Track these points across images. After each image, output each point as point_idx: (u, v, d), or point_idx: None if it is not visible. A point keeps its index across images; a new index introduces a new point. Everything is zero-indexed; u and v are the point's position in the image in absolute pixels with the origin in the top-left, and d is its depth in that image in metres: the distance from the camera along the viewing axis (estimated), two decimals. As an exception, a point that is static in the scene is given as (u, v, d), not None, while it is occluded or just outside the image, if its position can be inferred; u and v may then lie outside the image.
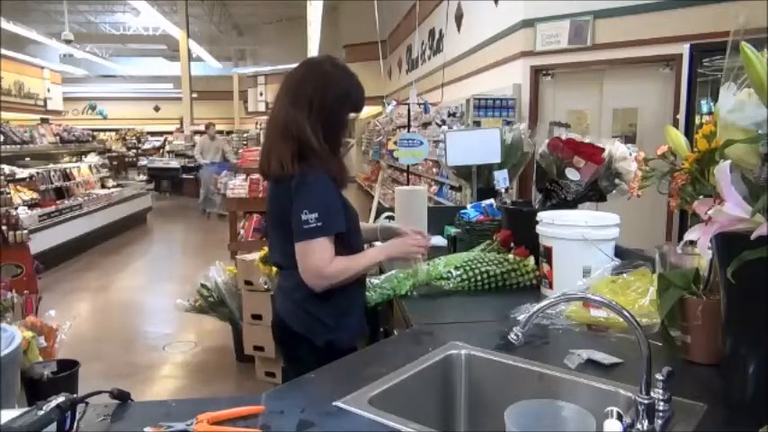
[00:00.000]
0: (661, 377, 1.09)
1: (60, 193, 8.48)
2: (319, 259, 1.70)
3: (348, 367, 1.47)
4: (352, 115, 1.86)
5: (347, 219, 1.79)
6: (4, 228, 5.77)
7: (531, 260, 2.12)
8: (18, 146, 8.34)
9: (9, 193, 6.46)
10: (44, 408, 1.00)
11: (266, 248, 3.40)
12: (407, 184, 6.19)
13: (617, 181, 2.33)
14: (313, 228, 1.67)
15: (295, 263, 1.76)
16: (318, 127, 1.74)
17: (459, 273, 2.05)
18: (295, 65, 1.87)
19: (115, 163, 15.75)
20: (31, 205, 7.37)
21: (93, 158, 10.55)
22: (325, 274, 1.71)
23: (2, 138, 7.96)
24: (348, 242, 1.80)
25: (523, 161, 3.18)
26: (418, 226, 2.73)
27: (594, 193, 2.35)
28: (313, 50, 16.04)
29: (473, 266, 2.07)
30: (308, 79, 1.78)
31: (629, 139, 5.04)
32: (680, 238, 2.17)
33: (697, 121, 4.50)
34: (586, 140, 2.37)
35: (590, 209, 2.38)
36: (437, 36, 9.74)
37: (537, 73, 5.93)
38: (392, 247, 1.97)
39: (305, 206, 1.68)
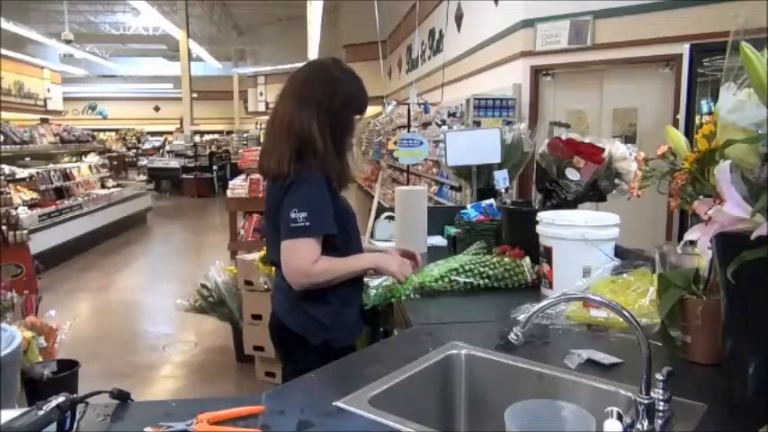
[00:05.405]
0: (661, 377, 1.09)
1: (60, 193, 8.48)
2: (303, 258, 1.68)
3: (348, 367, 1.47)
4: (356, 118, 1.87)
5: (345, 221, 1.79)
6: (4, 228, 5.77)
7: (527, 260, 2.12)
8: (18, 146, 8.33)
9: (9, 193, 6.46)
10: (44, 408, 1.00)
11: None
12: (407, 184, 6.19)
13: (617, 181, 2.33)
14: (300, 227, 1.67)
15: None
16: (326, 129, 1.74)
17: (455, 276, 2.05)
18: (295, 65, 1.88)
19: (115, 163, 15.76)
20: (31, 205, 7.37)
21: (93, 158, 10.55)
22: (308, 273, 1.69)
23: (2, 138, 7.95)
24: (347, 242, 1.80)
25: (523, 161, 3.18)
26: (418, 226, 2.75)
27: (594, 193, 2.34)
28: (313, 50, 16.07)
29: (468, 269, 2.07)
30: (315, 81, 1.78)
31: (629, 139, 5.05)
32: (680, 238, 2.17)
33: (697, 121, 4.49)
34: (586, 140, 2.37)
35: (590, 209, 2.38)
36: (437, 36, 9.74)
37: (537, 73, 5.93)
38: (380, 261, 1.90)
39: (294, 205, 1.67)
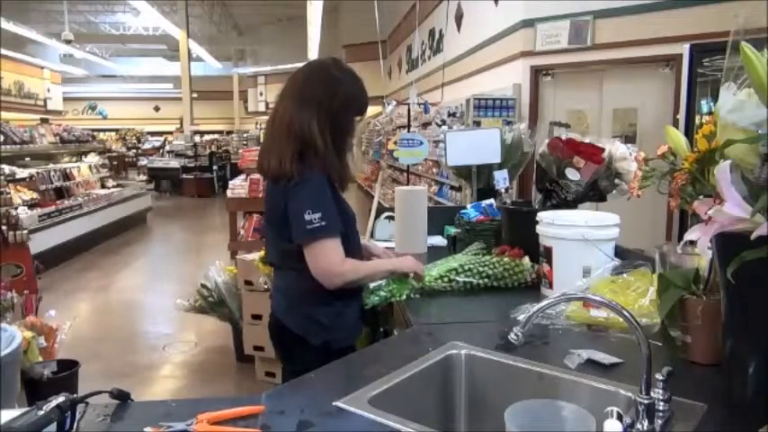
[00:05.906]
0: (661, 377, 1.09)
1: (60, 193, 8.48)
2: (332, 258, 1.70)
3: (348, 367, 1.47)
4: (356, 119, 1.87)
5: (345, 222, 1.79)
6: (4, 228, 5.77)
7: (526, 260, 2.12)
8: (18, 146, 8.33)
9: (9, 193, 6.46)
10: (44, 408, 1.00)
11: (266, 248, 3.39)
12: (407, 184, 6.19)
13: (617, 181, 2.33)
14: (318, 227, 1.67)
15: (289, 263, 1.76)
16: (326, 129, 1.74)
17: (455, 276, 2.05)
18: (295, 65, 1.88)
19: (115, 163, 15.75)
20: (31, 205, 7.37)
21: (93, 158, 10.55)
22: (339, 272, 1.72)
23: (2, 138, 7.95)
24: (347, 244, 1.80)
25: (523, 161, 3.18)
26: (418, 226, 2.75)
27: (594, 193, 2.34)
28: (313, 50, 16.08)
29: (468, 269, 2.07)
30: (315, 81, 1.79)
31: (629, 139, 5.05)
32: (680, 238, 2.17)
33: (697, 121, 4.49)
34: (586, 140, 2.37)
35: (590, 209, 2.38)
36: (437, 36, 9.74)
37: (537, 73, 5.93)
38: (397, 262, 1.99)
39: (307, 206, 1.67)
